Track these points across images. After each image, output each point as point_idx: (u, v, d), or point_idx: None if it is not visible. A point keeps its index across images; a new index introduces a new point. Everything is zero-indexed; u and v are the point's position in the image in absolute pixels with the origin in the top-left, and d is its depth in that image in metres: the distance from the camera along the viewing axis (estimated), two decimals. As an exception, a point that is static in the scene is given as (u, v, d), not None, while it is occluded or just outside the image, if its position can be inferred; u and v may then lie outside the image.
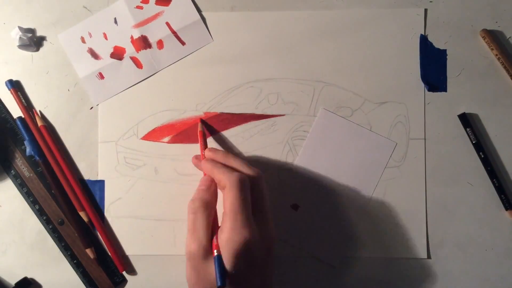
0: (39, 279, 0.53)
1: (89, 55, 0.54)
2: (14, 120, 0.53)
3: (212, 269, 0.40)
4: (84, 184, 0.53)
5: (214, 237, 0.42)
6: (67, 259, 0.53)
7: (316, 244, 0.52)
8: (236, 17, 0.54)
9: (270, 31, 0.53)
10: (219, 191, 0.46)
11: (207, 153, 0.48)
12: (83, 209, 0.52)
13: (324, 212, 0.52)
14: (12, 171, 0.53)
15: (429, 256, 0.52)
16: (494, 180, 0.51)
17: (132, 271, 0.53)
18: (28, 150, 0.52)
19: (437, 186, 0.52)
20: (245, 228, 0.41)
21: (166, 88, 0.54)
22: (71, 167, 0.53)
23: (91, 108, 0.54)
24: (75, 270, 0.53)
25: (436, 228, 0.52)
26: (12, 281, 0.53)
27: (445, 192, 0.52)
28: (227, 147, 0.53)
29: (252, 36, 0.53)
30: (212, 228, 0.43)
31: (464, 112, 0.52)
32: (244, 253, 0.40)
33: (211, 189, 0.44)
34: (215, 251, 0.41)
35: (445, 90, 0.53)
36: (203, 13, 0.54)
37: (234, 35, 0.54)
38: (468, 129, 0.52)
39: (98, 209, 0.53)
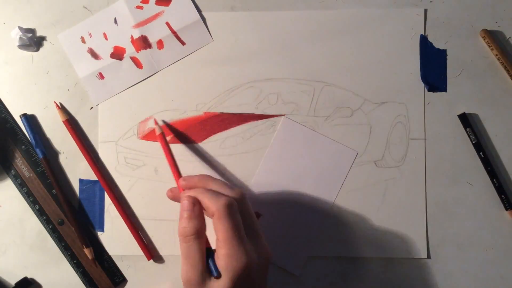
0: (39, 279, 0.53)
1: (89, 55, 0.54)
2: (14, 120, 0.53)
3: None
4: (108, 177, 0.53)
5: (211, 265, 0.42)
6: (67, 259, 0.53)
7: (277, 253, 0.49)
8: (236, 17, 0.54)
9: (270, 31, 0.53)
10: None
11: (182, 183, 0.46)
12: (89, 246, 0.52)
13: (285, 220, 0.52)
14: (12, 171, 0.53)
15: (429, 256, 0.52)
16: (494, 180, 0.51)
17: (133, 270, 0.53)
18: (39, 150, 0.52)
19: (437, 186, 0.52)
20: (242, 253, 0.40)
21: (166, 88, 0.54)
22: (99, 160, 0.54)
23: (91, 108, 0.54)
24: (75, 270, 0.53)
25: (436, 228, 0.52)
26: (12, 281, 0.53)
27: (445, 192, 0.52)
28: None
29: (252, 36, 0.53)
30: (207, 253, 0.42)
31: (464, 112, 0.52)
32: (243, 278, 0.40)
33: (196, 212, 0.42)
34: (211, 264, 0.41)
35: (445, 90, 0.53)
36: (203, 13, 0.54)
37: (234, 35, 0.54)
38: (468, 129, 0.52)
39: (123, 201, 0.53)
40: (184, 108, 0.53)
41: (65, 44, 0.54)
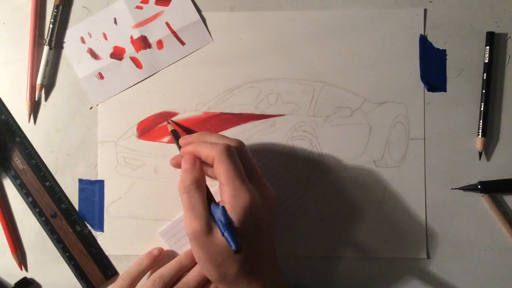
0: (38, 279, 0.53)
1: (89, 55, 0.54)
2: (8, 112, 0.53)
3: (218, 240, 0.40)
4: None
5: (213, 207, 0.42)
6: (59, 251, 0.53)
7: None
8: (236, 17, 0.54)
9: (270, 31, 0.53)
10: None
11: (182, 141, 0.47)
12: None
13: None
14: (6, 163, 0.53)
15: (428, 256, 0.52)
16: (482, 103, 0.52)
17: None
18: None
19: (436, 186, 0.52)
20: (245, 192, 0.41)
21: (166, 88, 0.54)
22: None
23: (91, 108, 0.54)
24: (67, 263, 0.53)
25: (436, 228, 0.52)
26: (12, 281, 0.53)
27: (444, 192, 0.52)
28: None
29: (252, 36, 0.53)
30: (208, 203, 0.43)
31: (493, 32, 0.52)
32: (249, 217, 0.41)
33: (197, 165, 0.44)
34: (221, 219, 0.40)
35: (445, 90, 0.53)
36: (203, 13, 0.54)
37: (234, 35, 0.54)
38: (487, 48, 0.52)
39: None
40: (183, 108, 0.53)
41: (65, 44, 0.54)
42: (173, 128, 0.51)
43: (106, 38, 0.54)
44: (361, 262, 0.52)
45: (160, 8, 0.54)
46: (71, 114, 0.54)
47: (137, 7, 0.54)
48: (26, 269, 0.53)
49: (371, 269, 0.52)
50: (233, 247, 0.39)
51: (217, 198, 0.44)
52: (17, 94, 0.54)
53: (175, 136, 0.49)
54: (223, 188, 0.42)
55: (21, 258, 0.53)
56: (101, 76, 0.54)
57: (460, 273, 0.52)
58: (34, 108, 0.54)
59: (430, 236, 0.52)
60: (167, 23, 0.54)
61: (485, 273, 0.52)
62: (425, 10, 0.53)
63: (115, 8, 0.54)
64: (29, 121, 0.53)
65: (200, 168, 0.44)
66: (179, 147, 0.47)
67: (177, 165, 0.49)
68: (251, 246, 0.41)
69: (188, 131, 0.53)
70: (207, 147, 0.43)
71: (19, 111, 0.54)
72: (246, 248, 0.41)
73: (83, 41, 0.54)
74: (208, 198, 0.43)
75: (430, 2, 0.53)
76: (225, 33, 0.54)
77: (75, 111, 0.54)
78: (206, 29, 0.54)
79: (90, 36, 0.54)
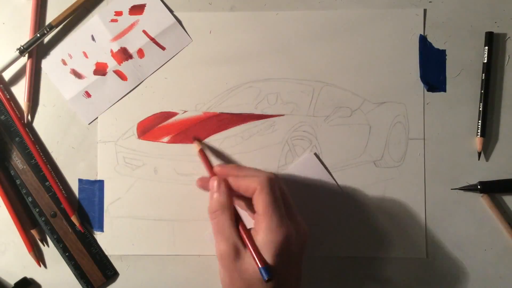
0: (38, 279, 0.53)
1: (72, 76, 0.53)
2: (8, 112, 0.53)
3: (244, 266, 0.41)
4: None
5: (244, 235, 0.42)
6: (59, 251, 0.53)
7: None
8: (236, 17, 0.54)
9: (270, 31, 0.54)
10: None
11: (218, 168, 0.47)
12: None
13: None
14: (5, 163, 0.53)
15: (428, 256, 0.52)
16: (481, 103, 0.52)
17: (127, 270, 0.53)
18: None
19: (436, 186, 0.52)
20: (282, 227, 0.41)
21: (165, 88, 0.54)
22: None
23: (91, 108, 0.54)
24: (67, 263, 0.53)
25: (435, 228, 0.52)
26: (12, 281, 0.53)
27: (444, 192, 0.52)
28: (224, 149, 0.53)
29: (252, 36, 0.54)
30: (237, 226, 0.43)
31: (493, 32, 0.52)
32: (284, 252, 0.41)
33: (222, 190, 0.44)
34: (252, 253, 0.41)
35: (444, 90, 0.53)
36: (203, 13, 0.54)
37: (233, 35, 0.54)
38: (486, 48, 0.52)
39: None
40: (183, 108, 0.53)
41: (48, 69, 0.54)
42: (200, 148, 0.50)
43: (86, 56, 0.53)
44: (360, 262, 0.52)
45: (134, 17, 0.53)
46: (71, 114, 0.54)
47: (112, 20, 0.53)
48: (45, 266, 0.53)
49: (371, 269, 0.52)
50: (265, 278, 0.39)
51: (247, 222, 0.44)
52: (17, 94, 0.54)
53: (204, 157, 0.49)
54: (259, 218, 0.42)
55: (38, 255, 0.53)
56: (88, 95, 0.53)
57: (459, 273, 0.52)
58: (34, 108, 0.54)
59: (430, 236, 0.52)
60: (144, 31, 0.53)
61: (484, 273, 0.52)
62: (425, 10, 0.53)
63: (91, 24, 0.53)
64: (26, 120, 0.53)
65: (226, 193, 0.44)
66: (210, 169, 0.47)
67: (204, 187, 0.47)
68: (280, 279, 0.41)
69: (186, 131, 0.53)
70: (251, 176, 0.44)
71: (19, 111, 0.54)
72: (274, 281, 0.40)
73: (64, 63, 0.54)
74: (236, 220, 0.43)
75: (430, 2, 0.53)
76: (225, 33, 0.54)
77: (75, 111, 0.54)
78: (183, 30, 0.53)
79: (71, 57, 0.54)
